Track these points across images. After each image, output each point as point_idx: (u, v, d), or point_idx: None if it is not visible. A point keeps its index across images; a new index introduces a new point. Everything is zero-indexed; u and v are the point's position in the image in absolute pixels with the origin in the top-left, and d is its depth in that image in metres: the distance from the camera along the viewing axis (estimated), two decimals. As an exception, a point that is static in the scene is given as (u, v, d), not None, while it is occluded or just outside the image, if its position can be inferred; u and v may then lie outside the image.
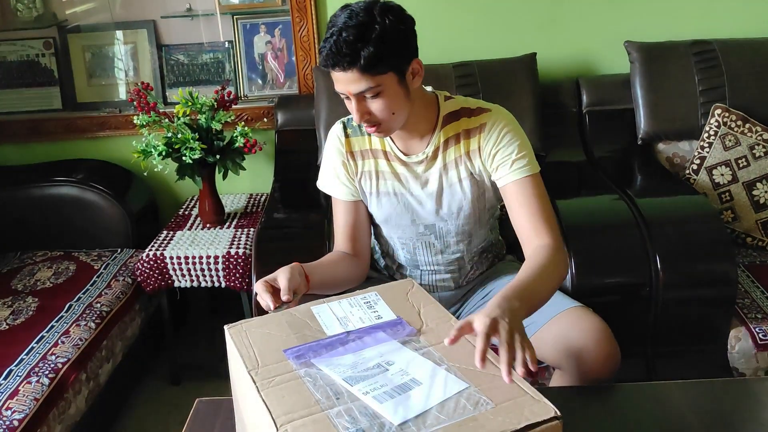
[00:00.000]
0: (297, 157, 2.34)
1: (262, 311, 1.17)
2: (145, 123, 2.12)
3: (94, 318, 1.91)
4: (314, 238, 1.88)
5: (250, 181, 2.54)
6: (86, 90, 2.56)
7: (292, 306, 1.15)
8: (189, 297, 2.46)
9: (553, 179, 1.53)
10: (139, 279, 2.12)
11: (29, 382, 1.61)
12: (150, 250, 2.12)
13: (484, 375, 0.91)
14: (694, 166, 2.12)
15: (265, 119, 2.48)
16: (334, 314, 1.05)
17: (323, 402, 0.85)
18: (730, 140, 2.07)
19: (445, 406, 0.84)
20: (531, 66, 2.22)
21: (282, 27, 2.46)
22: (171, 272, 2.10)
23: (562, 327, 1.34)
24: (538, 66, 2.23)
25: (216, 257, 2.07)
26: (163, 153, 2.06)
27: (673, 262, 1.67)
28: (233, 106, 2.25)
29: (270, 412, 0.83)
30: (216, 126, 2.14)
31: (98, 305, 1.97)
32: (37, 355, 1.72)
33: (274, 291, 1.21)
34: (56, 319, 1.88)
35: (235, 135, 2.14)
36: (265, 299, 1.19)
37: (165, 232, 2.25)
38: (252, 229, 2.20)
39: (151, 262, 2.09)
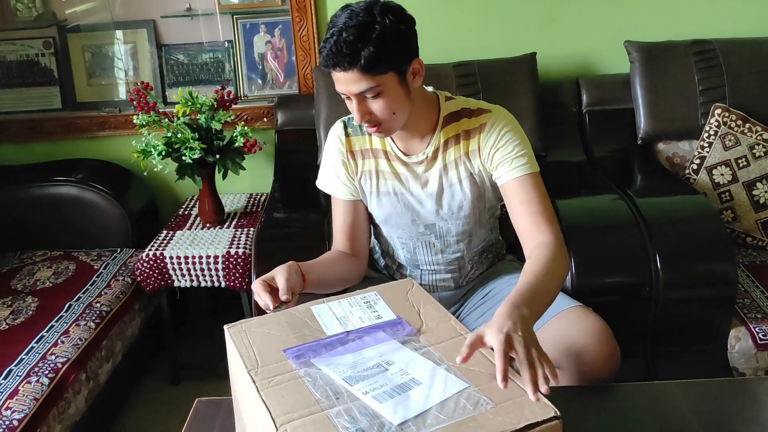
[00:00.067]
0: (297, 157, 2.33)
1: (261, 311, 1.17)
2: (144, 123, 2.12)
3: (93, 318, 1.91)
4: (314, 237, 1.88)
5: (250, 181, 2.54)
6: (86, 90, 2.56)
7: (290, 305, 1.15)
8: (189, 297, 2.46)
9: (553, 179, 1.53)
10: (138, 279, 2.12)
11: (29, 382, 1.61)
12: (150, 249, 2.12)
13: (484, 375, 0.91)
14: (694, 166, 2.12)
15: (265, 119, 2.48)
16: (334, 314, 1.05)
17: (323, 402, 0.85)
18: (730, 140, 2.07)
19: (445, 405, 0.84)
20: (531, 66, 2.22)
21: (282, 27, 2.46)
22: (171, 272, 2.10)
23: (562, 327, 1.33)
24: (538, 66, 2.22)
25: (216, 257, 2.07)
26: (163, 153, 2.06)
27: (673, 262, 1.67)
28: (233, 106, 2.25)
29: (270, 412, 0.83)
30: (216, 126, 2.14)
31: (98, 305, 1.97)
32: (37, 354, 1.71)
33: (272, 290, 1.21)
34: (56, 318, 1.88)
35: (234, 135, 2.14)
36: (263, 299, 1.19)
37: (165, 231, 2.25)
38: (252, 229, 2.20)
39: (151, 262, 2.09)
